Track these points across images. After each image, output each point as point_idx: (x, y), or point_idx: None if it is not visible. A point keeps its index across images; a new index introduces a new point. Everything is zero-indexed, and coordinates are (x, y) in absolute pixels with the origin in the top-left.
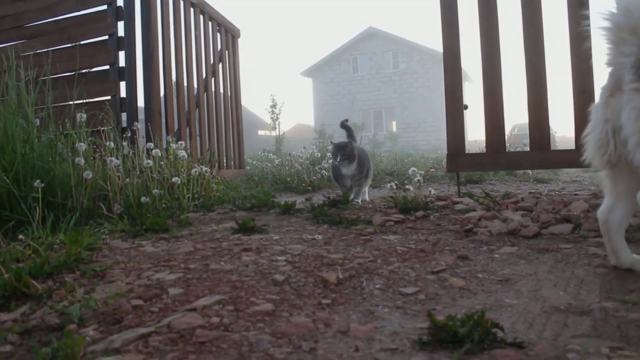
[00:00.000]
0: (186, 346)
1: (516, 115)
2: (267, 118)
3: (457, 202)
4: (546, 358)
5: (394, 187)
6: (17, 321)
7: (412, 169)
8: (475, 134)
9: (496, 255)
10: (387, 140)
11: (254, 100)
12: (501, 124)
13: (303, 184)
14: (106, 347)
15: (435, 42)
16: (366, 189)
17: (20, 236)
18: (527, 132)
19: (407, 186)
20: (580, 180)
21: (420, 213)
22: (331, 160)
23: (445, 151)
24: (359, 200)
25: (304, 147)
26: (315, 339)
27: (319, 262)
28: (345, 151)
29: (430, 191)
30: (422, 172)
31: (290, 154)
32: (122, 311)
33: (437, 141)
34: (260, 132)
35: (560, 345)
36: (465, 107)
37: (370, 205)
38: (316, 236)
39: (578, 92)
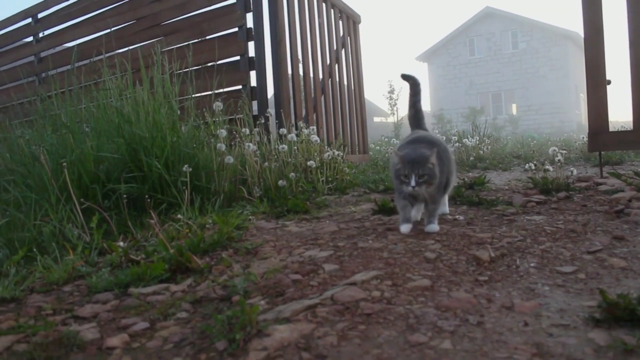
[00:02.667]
0: (353, 317)
1: None
2: (382, 104)
3: (601, 183)
4: None
5: (533, 167)
6: (185, 292)
7: (553, 148)
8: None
9: None
10: (507, 124)
11: (368, 86)
12: None
13: None
14: (276, 316)
15: (558, 18)
16: (446, 198)
17: (178, 216)
18: None
19: (546, 166)
20: None
21: (562, 194)
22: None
23: (570, 134)
24: (437, 226)
25: None
26: (481, 314)
27: (467, 241)
28: (424, 169)
29: (572, 171)
30: (564, 151)
31: None
32: (282, 285)
33: (560, 124)
34: (376, 119)
35: None
36: (609, 82)
37: (506, 187)
38: (457, 216)
39: None
